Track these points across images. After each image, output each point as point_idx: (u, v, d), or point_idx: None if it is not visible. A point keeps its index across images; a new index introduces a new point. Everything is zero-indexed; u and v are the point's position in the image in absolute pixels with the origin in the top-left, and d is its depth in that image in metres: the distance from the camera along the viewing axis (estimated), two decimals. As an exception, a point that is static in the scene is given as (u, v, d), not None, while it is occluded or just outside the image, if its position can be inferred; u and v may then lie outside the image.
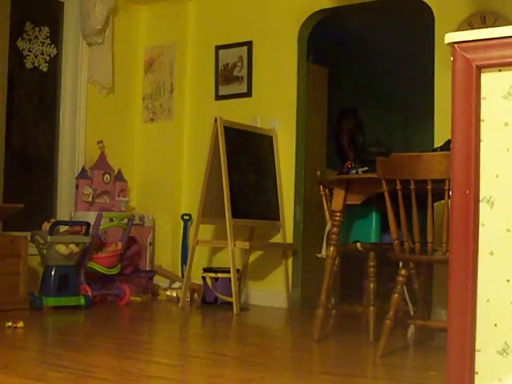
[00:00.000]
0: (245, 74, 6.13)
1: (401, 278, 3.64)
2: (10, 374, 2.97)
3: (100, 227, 5.49)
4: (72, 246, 5.19)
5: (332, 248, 4.02)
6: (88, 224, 5.33)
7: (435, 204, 4.00)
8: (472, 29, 4.88)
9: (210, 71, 6.32)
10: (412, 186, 3.46)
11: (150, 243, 6.21)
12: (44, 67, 6.11)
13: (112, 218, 5.67)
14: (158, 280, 6.22)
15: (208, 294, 5.57)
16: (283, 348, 4.24)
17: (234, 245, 5.38)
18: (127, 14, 6.55)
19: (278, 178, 5.91)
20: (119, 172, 6.27)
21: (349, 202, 3.98)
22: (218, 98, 6.27)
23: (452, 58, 1.99)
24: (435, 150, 3.95)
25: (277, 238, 5.90)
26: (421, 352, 3.98)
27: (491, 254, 1.95)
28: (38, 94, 6.18)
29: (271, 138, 5.94)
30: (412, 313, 4.22)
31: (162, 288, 6.08)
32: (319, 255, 4.38)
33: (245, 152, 5.74)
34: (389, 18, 6.88)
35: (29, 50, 5.98)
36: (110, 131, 6.36)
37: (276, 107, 5.97)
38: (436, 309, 4.82)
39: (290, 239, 5.86)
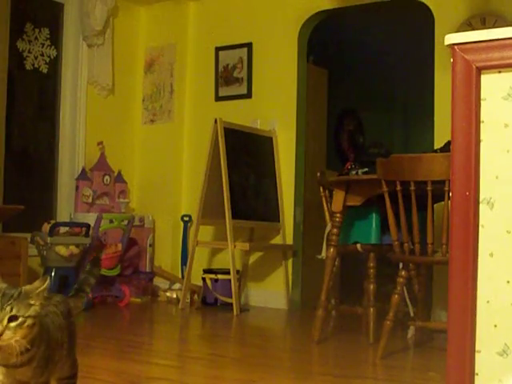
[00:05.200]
0: (245, 75, 6.14)
1: (401, 279, 3.64)
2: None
3: (100, 228, 5.49)
4: (72, 247, 5.19)
5: (332, 249, 4.02)
6: (88, 225, 5.33)
7: (435, 205, 4.00)
8: (472, 30, 4.88)
9: (210, 72, 6.32)
10: (412, 188, 3.46)
11: (150, 244, 6.20)
12: (44, 68, 6.11)
13: (112, 219, 5.66)
14: (158, 281, 6.22)
15: (208, 295, 5.57)
16: (283, 349, 4.24)
17: (234, 246, 5.38)
18: (127, 15, 6.55)
19: (277, 179, 5.91)
20: (119, 173, 6.27)
21: (349, 203, 3.98)
22: (218, 99, 6.28)
23: (452, 60, 1.99)
24: (435, 151, 3.95)
25: (277, 239, 5.90)
26: (421, 353, 3.98)
27: (491, 255, 1.95)
28: (38, 96, 6.18)
29: (271, 139, 5.94)
30: (412, 314, 4.22)
31: (162, 289, 6.07)
32: (319, 256, 4.38)
33: (245, 153, 5.74)
34: (389, 19, 6.88)
35: (29, 52, 5.98)
36: (110, 132, 6.36)
37: (276, 108, 5.97)
38: (436, 310, 4.82)
39: (289, 240, 5.86)
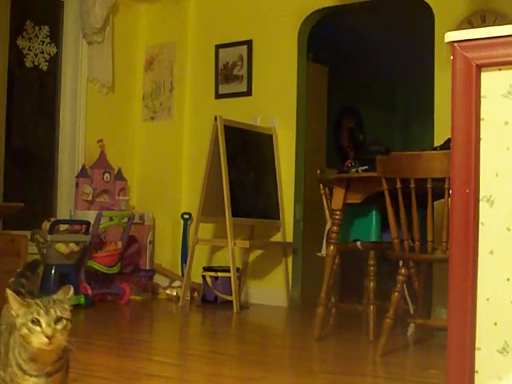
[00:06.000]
0: (245, 72, 6.13)
1: (401, 277, 3.64)
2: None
3: (100, 226, 5.49)
4: (72, 244, 5.19)
5: (332, 247, 4.02)
6: (88, 223, 5.33)
7: (435, 203, 4.00)
8: (472, 28, 4.89)
9: (210, 70, 6.32)
10: (412, 185, 3.46)
11: (150, 242, 6.20)
12: (44, 66, 6.10)
13: (112, 216, 5.67)
14: (158, 279, 6.23)
15: (208, 292, 5.57)
16: (283, 346, 4.24)
17: (234, 244, 5.38)
18: (127, 13, 6.54)
19: (277, 177, 5.91)
20: (119, 171, 6.26)
21: (349, 201, 3.98)
22: (218, 96, 6.27)
23: (452, 57, 1.99)
24: (435, 148, 3.95)
25: (277, 237, 5.90)
26: (421, 351, 3.98)
27: (491, 252, 1.95)
28: (38, 93, 6.18)
29: (271, 136, 5.94)
30: (412, 311, 4.23)
31: (162, 287, 6.08)
32: (319, 254, 4.38)
33: (245, 151, 5.74)
34: (389, 17, 6.88)
35: (29, 49, 5.97)
36: (110, 130, 6.35)
37: (276, 106, 5.97)
38: (436, 307, 4.83)
39: (289, 238, 5.86)
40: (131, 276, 5.93)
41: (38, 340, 1.70)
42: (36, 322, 1.71)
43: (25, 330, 1.71)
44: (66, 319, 1.75)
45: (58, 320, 1.73)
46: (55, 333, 1.71)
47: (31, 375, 1.75)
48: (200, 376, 3.17)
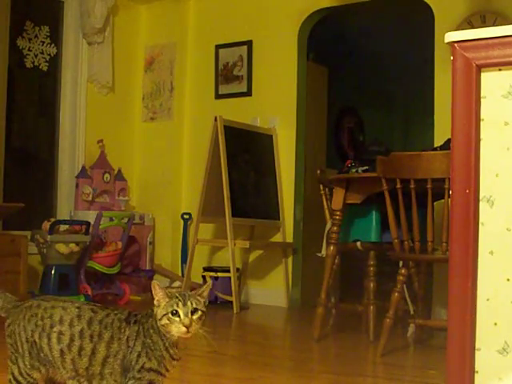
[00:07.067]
0: (245, 73, 6.13)
1: (401, 277, 3.64)
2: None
3: (100, 226, 5.49)
4: (72, 245, 5.19)
5: (332, 247, 4.02)
6: (88, 223, 5.33)
7: (435, 203, 4.00)
8: (472, 28, 4.89)
9: (210, 70, 6.32)
10: (412, 185, 3.46)
11: (150, 242, 6.20)
12: (44, 66, 6.10)
13: (112, 217, 5.66)
14: (158, 279, 6.22)
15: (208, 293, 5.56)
16: (283, 347, 4.24)
17: (234, 244, 5.38)
18: (127, 13, 6.54)
19: (278, 177, 5.91)
20: (119, 171, 6.26)
21: (349, 201, 3.98)
22: (218, 97, 6.27)
23: (452, 58, 1.98)
24: (435, 149, 3.95)
25: (277, 237, 5.90)
26: (421, 351, 3.98)
27: (491, 253, 1.95)
28: (38, 94, 6.18)
29: (271, 136, 5.94)
30: (412, 312, 4.22)
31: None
32: (319, 254, 4.38)
33: (245, 151, 5.74)
34: (389, 17, 6.88)
35: (29, 49, 5.97)
36: (110, 130, 6.35)
37: (276, 106, 5.97)
38: (436, 308, 4.83)
39: (290, 238, 5.86)
40: (131, 276, 5.93)
41: (178, 329, 1.91)
42: (175, 313, 1.91)
43: (165, 321, 1.93)
44: (201, 310, 1.93)
45: (194, 311, 1.91)
46: (192, 322, 1.91)
47: (174, 359, 1.99)
48: (200, 376, 3.17)
